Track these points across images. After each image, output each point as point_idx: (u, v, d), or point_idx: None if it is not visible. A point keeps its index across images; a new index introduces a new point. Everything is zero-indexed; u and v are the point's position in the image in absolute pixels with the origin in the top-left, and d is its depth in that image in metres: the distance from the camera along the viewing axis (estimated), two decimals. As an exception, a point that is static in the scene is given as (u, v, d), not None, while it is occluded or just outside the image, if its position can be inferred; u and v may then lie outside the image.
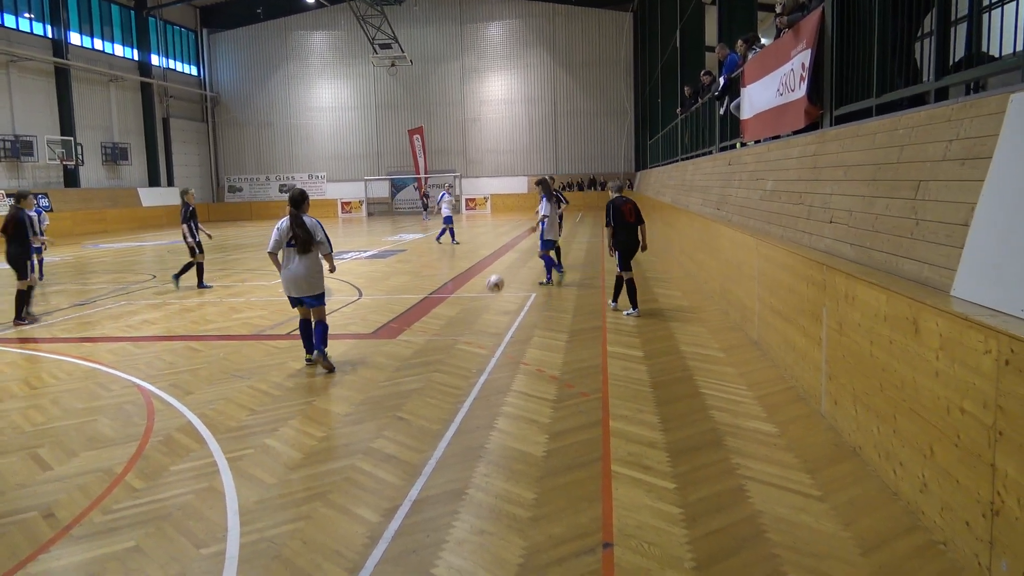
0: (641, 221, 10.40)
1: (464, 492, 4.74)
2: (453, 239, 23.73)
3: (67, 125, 35.62)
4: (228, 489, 4.89)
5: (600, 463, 5.12)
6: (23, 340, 9.98)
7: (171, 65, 45.38)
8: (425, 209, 42.03)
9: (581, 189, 45.92)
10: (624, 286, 10.66)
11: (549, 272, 13.60)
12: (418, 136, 46.25)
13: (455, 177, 46.44)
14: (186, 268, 14.71)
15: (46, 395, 7.29)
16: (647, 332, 9.36)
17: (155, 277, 16.67)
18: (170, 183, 44.25)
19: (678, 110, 21.82)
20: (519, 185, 46.60)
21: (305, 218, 7.76)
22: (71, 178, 35.72)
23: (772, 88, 9.63)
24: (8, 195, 10.10)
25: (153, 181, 42.62)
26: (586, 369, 7.63)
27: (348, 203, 47.24)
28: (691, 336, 9.07)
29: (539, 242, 13.56)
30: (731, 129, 13.09)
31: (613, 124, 45.82)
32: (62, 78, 35.63)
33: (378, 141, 48.06)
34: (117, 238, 31.54)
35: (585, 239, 23.93)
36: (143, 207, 40.34)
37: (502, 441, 5.62)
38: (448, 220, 23.42)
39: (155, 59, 43.37)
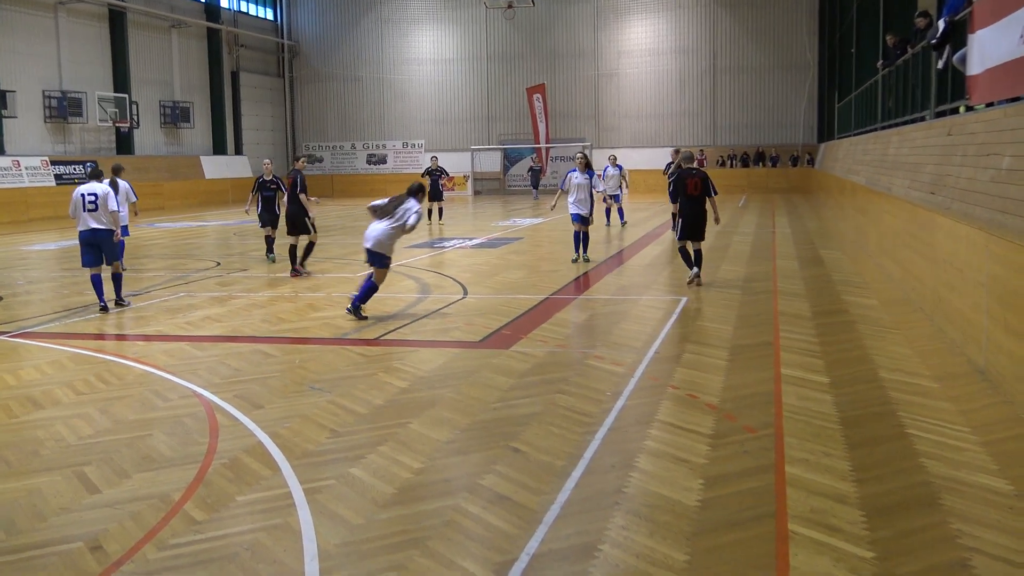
0: (710, 193, 13.21)
1: (596, 548, 4.71)
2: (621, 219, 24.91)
3: (121, 80, 37.69)
4: (305, 527, 5.02)
5: (772, 520, 4.99)
6: (66, 335, 10.58)
7: (242, 7, 47.37)
8: (536, 186, 42.30)
9: (745, 165, 45.14)
10: (689, 254, 13.48)
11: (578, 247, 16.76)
12: (539, 96, 46.58)
13: (584, 148, 46.49)
14: (309, 251, 15.70)
15: (94, 402, 7.69)
16: (834, 352, 9.08)
17: (219, 264, 17.38)
18: (238, 151, 46.23)
19: (879, 64, 21.16)
20: (665, 159, 46.19)
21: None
22: (124, 143, 37.81)
23: (1015, 32, 9.18)
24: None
25: (218, 148, 44.59)
26: (753, 397, 7.47)
27: (451, 178, 47.94)
28: (893, 359, 8.74)
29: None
30: (953, 88, 12.59)
31: (789, 82, 44.80)
32: (117, 23, 37.72)
33: (489, 102, 48.72)
34: (175, 216, 33.15)
35: (751, 229, 23.48)
36: (206, 179, 42.27)
37: (644, 485, 5.56)
38: (615, 199, 24.17)
39: (224, 0, 45.31)
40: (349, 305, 11.32)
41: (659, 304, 12.05)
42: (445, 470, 5.91)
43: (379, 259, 11.21)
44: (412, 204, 11.25)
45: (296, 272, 15.35)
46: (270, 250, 17.66)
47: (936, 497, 5.27)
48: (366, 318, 11.15)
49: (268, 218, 17.30)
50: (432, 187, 25.95)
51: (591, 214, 16.73)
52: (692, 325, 10.56)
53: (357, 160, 50.52)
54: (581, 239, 16.76)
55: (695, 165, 13.39)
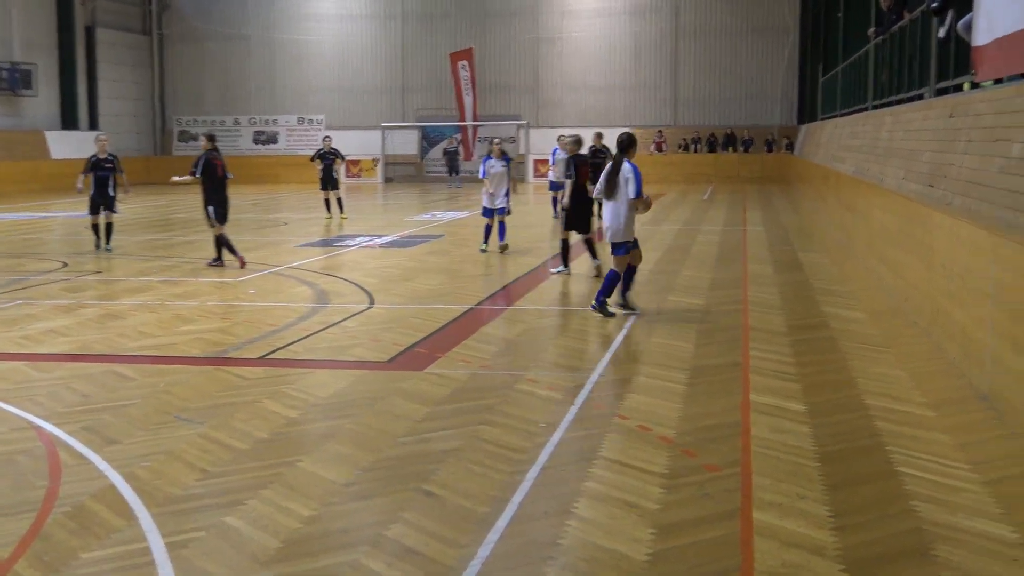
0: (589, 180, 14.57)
1: (524, 612, 4.71)
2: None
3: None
4: (166, 590, 4.94)
5: (737, 576, 5.05)
6: None
7: (100, -51, 46.62)
8: (454, 172, 42.32)
9: (712, 149, 45.68)
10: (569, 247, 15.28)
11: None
12: (465, 64, 46.61)
13: (520, 127, 46.62)
14: (221, 244, 16.44)
15: (-97, 436, 7.49)
16: (813, 374, 9.20)
17: (67, 265, 17.09)
18: (93, 125, 45.47)
19: (871, 31, 21.53)
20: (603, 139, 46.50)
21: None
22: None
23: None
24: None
25: (68, 122, 43.89)
26: (716, 429, 7.52)
27: (356, 162, 47.83)
28: (881, 382, 8.86)
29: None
30: (956, 61, 12.87)
31: (766, 50, 45.52)
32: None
33: (404, 70, 48.68)
34: (11, 205, 32.48)
35: (718, 227, 23.75)
36: (51, 159, 41.52)
37: (584, 535, 5.57)
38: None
39: (77, -61, 44.59)
40: (594, 302, 12.04)
41: (606, 318, 12.10)
42: (342, 518, 5.86)
43: (621, 248, 11.88)
44: (628, 168, 11.68)
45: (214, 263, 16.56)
46: (105, 240, 18.54)
47: (928, 547, 5.36)
48: (613, 314, 11.84)
49: (100, 202, 18.10)
50: (325, 173, 26.14)
51: (507, 206, 18.40)
52: (645, 342, 10.63)
53: (242, 138, 50.11)
54: (488, 231, 18.53)
55: (589, 149, 15.56)
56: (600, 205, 12.49)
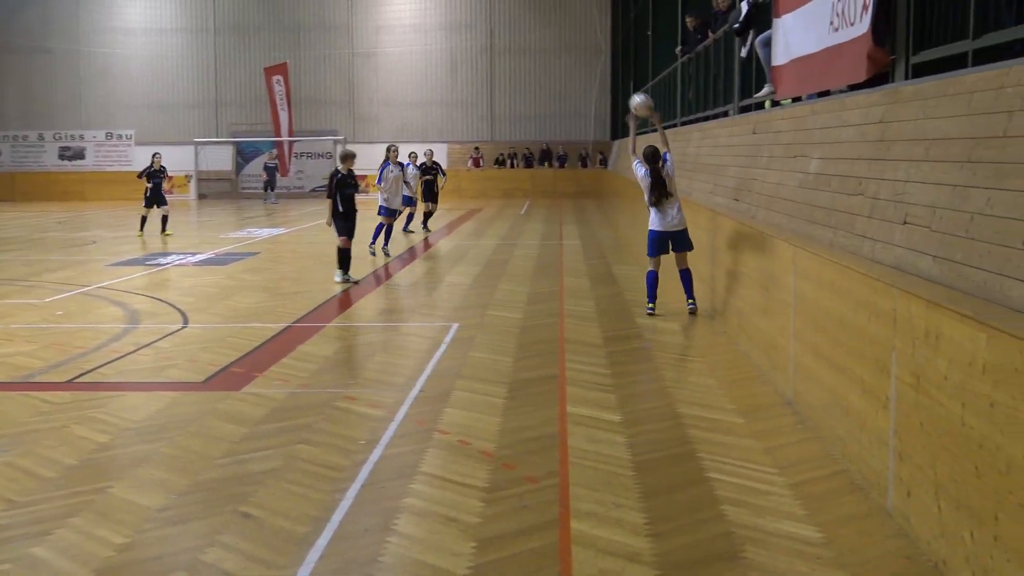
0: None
1: (345, 631, 4.68)
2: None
3: None
4: (-31, 627, 4.74)
5: (555, 586, 5.11)
6: None
7: None
8: (271, 188, 41.93)
9: (529, 165, 46.26)
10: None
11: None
12: (280, 78, 46.03)
13: (337, 142, 46.32)
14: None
15: None
16: (628, 385, 9.40)
17: None
18: None
19: (678, 50, 22.10)
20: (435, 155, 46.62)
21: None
22: None
23: (820, 19, 9.82)
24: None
25: None
26: (535, 441, 7.60)
27: (169, 178, 46.57)
28: (693, 391, 9.12)
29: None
30: (758, 79, 13.32)
31: (579, 69, 46.39)
32: None
33: (218, 85, 47.77)
34: None
35: (535, 241, 24.04)
36: None
37: (405, 551, 5.56)
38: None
39: None
40: (691, 304, 12.72)
41: (425, 332, 12.13)
42: (157, 545, 5.71)
43: (688, 241, 12.66)
44: (669, 157, 12.64)
45: None
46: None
47: (738, 550, 5.54)
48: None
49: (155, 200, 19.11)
50: (154, 191, 25.79)
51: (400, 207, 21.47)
52: (464, 356, 10.68)
53: (46, 154, 48.18)
54: (383, 231, 20.61)
55: (421, 165, 17.44)
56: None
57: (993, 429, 4.58)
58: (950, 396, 5.05)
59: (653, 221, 12.58)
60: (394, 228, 23.69)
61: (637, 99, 12.90)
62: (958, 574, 4.96)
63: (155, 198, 25.74)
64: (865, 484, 6.43)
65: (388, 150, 21.43)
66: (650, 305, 12.77)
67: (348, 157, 16.66)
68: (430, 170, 25.73)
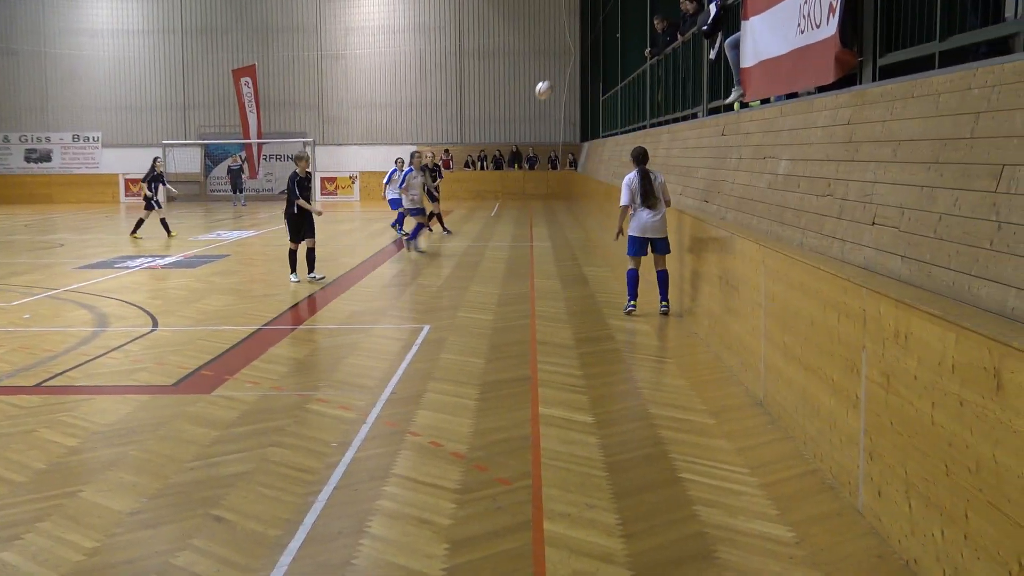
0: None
1: (318, 634, 4.67)
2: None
3: None
4: (-62, 634, 4.70)
5: (529, 587, 5.11)
6: None
7: None
8: (238, 190, 41.86)
9: (499, 167, 46.29)
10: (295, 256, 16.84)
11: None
12: (248, 80, 45.93)
13: (306, 144, 46.22)
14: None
15: None
16: (599, 386, 9.42)
17: None
18: None
19: (647, 52, 22.18)
20: (403, 158, 46.27)
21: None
22: None
23: (788, 22, 9.88)
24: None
25: None
26: (507, 443, 7.61)
27: (136, 181, 46.33)
28: (665, 392, 9.16)
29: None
30: (726, 82, 13.38)
31: (548, 70, 46.37)
32: None
33: (186, 87, 47.55)
34: None
35: (505, 243, 24.04)
36: None
37: (378, 554, 5.56)
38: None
39: None
40: (664, 306, 12.95)
41: (396, 334, 12.12)
42: (128, 549, 5.68)
43: (666, 244, 12.89)
44: (659, 176, 12.99)
45: None
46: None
47: (711, 550, 5.56)
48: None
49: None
50: (155, 195, 26.18)
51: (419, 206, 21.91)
52: (436, 358, 10.67)
53: (12, 157, 47.85)
54: (421, 229, 22.04)
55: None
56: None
57: (962, 428, 4.61)
58: (920, 395, 5.09)
59: (634, 226, 12.76)
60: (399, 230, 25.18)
61: (541, 85, 13.50)
62: (929, 572, 5.00)
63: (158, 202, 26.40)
64: (836, 483, 6.47)
65: (413, 156, 22.61)
66: (631, 303, 12.99)
67: (302, 158, 16.78)
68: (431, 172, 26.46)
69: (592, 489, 6.55)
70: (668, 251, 12.85)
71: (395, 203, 24.88)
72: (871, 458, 5.81)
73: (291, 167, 18.73)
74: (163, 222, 25.95)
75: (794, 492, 6.48)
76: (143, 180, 26.15)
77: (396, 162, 25.68)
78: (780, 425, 7.83)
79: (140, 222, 25.72)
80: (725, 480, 6.71)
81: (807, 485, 6.58)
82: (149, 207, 25.66)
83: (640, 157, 12.79)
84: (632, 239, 12.85)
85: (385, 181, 26.74)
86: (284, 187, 18.18)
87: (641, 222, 12.69)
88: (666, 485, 6.65)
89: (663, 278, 12.90)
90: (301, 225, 16.68)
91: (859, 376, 6.01)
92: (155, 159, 26.47)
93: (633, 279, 13.00)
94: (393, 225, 26.09)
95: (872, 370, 5.78)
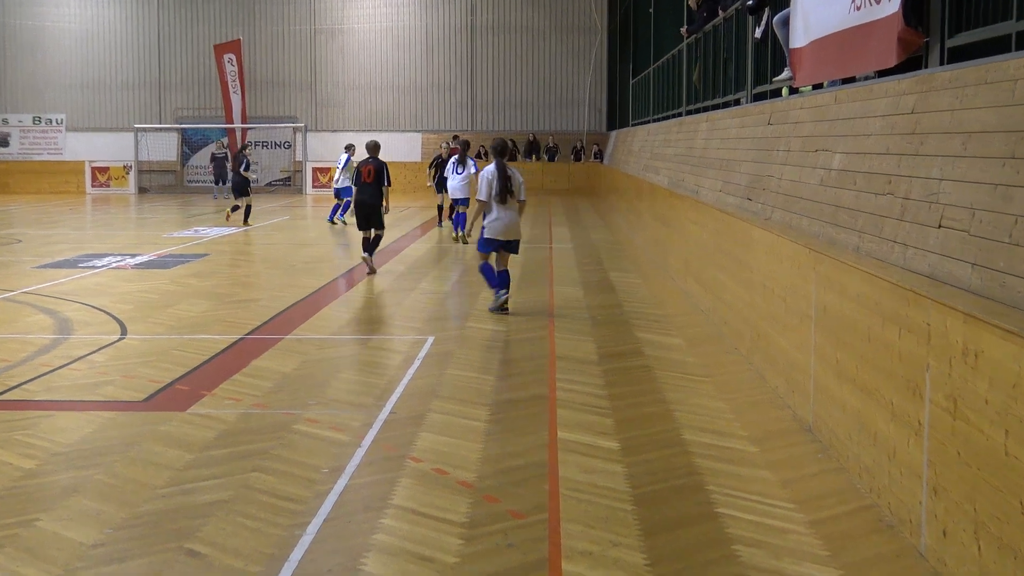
0: (384, 183, 17.88)
1: None
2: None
3: None
4: None
5: (545, 635, 5.09)
6: None
7: None
8: (220, 181, 41.89)
9: (513, 158, 46.17)
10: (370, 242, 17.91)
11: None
12: (232, 57, 46.02)
13: (296, 130, 46.29)
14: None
15: None
16: (626, 408, 9.37)
17: None
18: None
19: (683, 30, 22.14)
20: (406, 147, 46.75)
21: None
22: None
23: (844, -3, 9.84)
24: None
25: None
26: (521, 471, 7.58)
27: (104, 170, 46.59)
28: (700, 415, 9.09)
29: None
30: (773, 63, 13.33)
31: (572, 50, 46.43)
32: None
33: (161, 64, 47.71)
34: None
35: (522, 245, 23.96)
36: None
37: (373, 595, 5.54)
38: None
39: None
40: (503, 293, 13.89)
41: (397, 346, 12.11)
42: (90, 586, 5.68)
43: (517, 245, 14.22)
44: (518, 175, 14.17)
45: None
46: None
47: (753, 595, 5.54)
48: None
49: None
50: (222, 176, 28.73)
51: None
52: (441, 374, 10.64)
53: (-32, 141, 48.17)
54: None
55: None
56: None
57: (1041, 460, 4.58)
58: (991, 422, 5.05)
59: (496, 228, 13.77)
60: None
61: None
62: (1001, 624, 4.96)
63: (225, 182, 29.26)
64: (895, 521, 6.42)
65: (464, 145, 24.62)
66: (503, 292, 13.94)
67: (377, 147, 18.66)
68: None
69: (617, 524, 6.51)
70: (517, 252, 14.32)
71: (344, 192, 26.99)
72: (935, 493, 5.77)
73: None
74: (247, 209, 28.61)
75: (847, 531, 6.43)
76: (241, 169, 28.47)
77: (347, 148, 27.73)
78: (831, 454, 7.78)
79: (248, 208, 28.58)
80: (768, 516, 6.66)
81: (862, 523, 6.53)
82: (245, 193, 28.36)
83: (500, 149, 14.02)
84: (489, 241, 13.82)
85: (341, 167, 28.26)
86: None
87: (503, 224, 13.71)
88: (701, 521, 6.60)
89: (505, 276, 13.98)
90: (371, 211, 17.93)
91: (922, 400, 5.97)
92: (244, 146, 30.64)
93: (489, 270, 14.17)
94: (330, 219, 28.67)
95: (937, 393, 5.74)
